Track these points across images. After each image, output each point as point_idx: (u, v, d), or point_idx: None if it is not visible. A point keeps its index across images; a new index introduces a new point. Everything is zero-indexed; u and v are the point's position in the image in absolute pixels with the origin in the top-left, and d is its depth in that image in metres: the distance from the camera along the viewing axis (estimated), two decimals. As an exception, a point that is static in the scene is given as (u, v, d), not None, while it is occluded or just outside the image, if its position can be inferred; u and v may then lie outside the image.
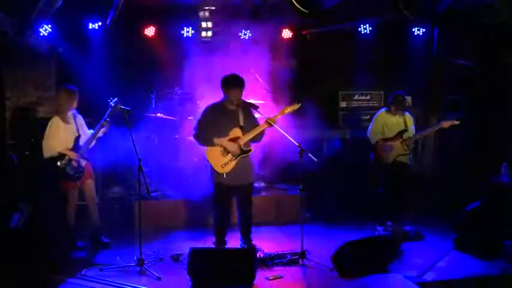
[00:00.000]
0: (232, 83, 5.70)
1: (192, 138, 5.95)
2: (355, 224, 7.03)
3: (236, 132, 5.73)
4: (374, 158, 6.77)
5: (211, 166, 5.77)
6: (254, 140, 5.82)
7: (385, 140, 6.68)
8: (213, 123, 5.70)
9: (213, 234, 5.98)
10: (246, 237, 5.96)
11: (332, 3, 6.15)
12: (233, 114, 5.77)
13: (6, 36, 6.31)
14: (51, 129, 5.89)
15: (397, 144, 6.63)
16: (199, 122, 5.78)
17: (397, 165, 6.64)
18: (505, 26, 6.74)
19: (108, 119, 5.95)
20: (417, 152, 8.48)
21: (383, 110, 6.86)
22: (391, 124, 6.71)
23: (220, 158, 5.69)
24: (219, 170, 5.70)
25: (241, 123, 5.76)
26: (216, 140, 5.67)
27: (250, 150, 5.77)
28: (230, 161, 5.68)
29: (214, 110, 5.80)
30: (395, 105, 6.67)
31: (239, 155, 5.70)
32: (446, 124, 6.57)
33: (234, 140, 5.70)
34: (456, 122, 6.59)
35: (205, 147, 5.79)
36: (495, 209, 6.10)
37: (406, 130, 6.66)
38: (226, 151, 5.69)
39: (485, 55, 7.31)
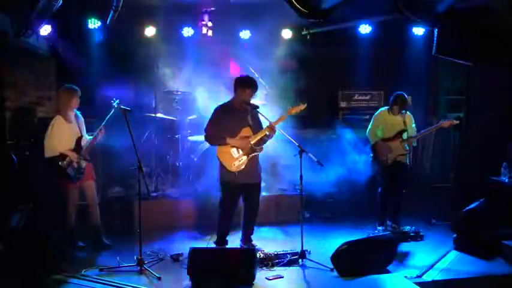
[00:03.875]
0: (249, 84, 5.82)
1: (203, 138, 6.06)
2: (355, 224, 7.04)
3: (246, 131, 5.85)
4: (373, 158, 6.77)
5: (221, 165, 5.85)
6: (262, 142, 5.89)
7: (385, 140, 6.67)
8: (224, 123, 5.81)
9: (216, 233, 6.02)
10: (247, 237, 6.00)
11: (332, 3, 6.14)
12: (242, 114, 5.89)
13: (6, 36, 6.29)
14: (53, 128, 5.87)
15: (396, 144, 6.62)
16: (211, 122, 5.89)
17: (396, 165, 6.64)
18: (505, 26, 6.73)
19: (102, 128, 5.95)
20: (417, 152, 8.50)
21: (383, 109, 6.84)
22: (390, 124, 6.69)
23: (232, 157, 5.79)
24: (230, 168, 5.77)
25: (250, 123, 5.88)
26: (229, 140, 5.77)
27: (261, 149, 5.87)
28: (242, 159, 5.77)
29: (224, 111, 5.90)
30: (398, 105, 6.64)
31: (250, 153, 5.79)
32: (445, 124, 6.56)
33: (245, 138, 5.80)
34: (455, 122, 6.59)
35: (216, 147, 5.89)
36: (495, 209, 6.09)
37: (405, 130, 6.65)
38: (238, 150, 5.79)
39: (485, 55, 7.30)
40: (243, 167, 5.78)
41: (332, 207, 7.63)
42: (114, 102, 5.79)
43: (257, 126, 5.92)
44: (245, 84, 5.81)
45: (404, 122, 6.65)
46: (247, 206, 6.00)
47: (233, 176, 5.78)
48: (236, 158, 5.79)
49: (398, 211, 6.73)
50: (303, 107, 5.81)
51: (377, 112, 6.89)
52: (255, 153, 5.85)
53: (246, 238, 6.00)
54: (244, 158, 5.79)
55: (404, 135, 6.62)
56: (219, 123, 5.82)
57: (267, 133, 5.78)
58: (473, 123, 7.78)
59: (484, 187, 6.57)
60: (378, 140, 6.69)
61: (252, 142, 5.80)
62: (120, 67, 7.86)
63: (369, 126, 6.84)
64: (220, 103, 6.02)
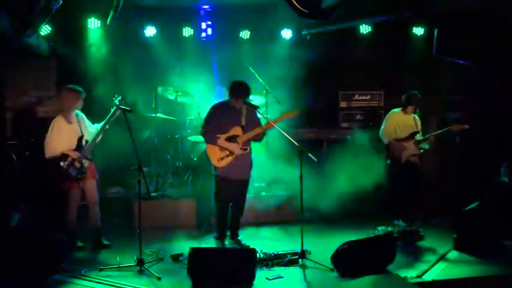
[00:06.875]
0: (240, 93, 5.88)
1: (200, 135, 6.23)
2: (355, 224, 7.03)
3: (236, 130, 5.95)
4: (387, 158, 6.80)
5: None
6: (255, 139, 6.02)
7: (398, 140, 6.71)
8: (218, 121, 5.93)
9: (216, 227, 6.20)
10: (233, 233, 6.16)
11: (331, 2, 6.15)
12: (237, 113, 5.99)
13: (6, 36, 6.30)
14: (53, 129, 5.86)
15: (409, 144, 6.67)
16: (206, 120, 6.04)
17: (409, 166, 6.68)
18: (505, 26, 6.75)
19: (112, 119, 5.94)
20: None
21: (396, 110, 6.88)
22: (403, 124, 6.75)
23: (217, 152, 5.92)
24: (215, 163, 5.93)
25: (243, 123, 5.96)
26: (219, 142, 5.90)
27: (246, 149, 5.96)
28: (227, 156, 5.90)
29: (219, 108, 6.05)
30: (414, 104, 6.71)
31: (236, 153, 5.91)
32: (456, 128, 6.61)
33: (233, 138, 5.88)
34: (466, 127, 6.62)
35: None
36: (495, 209, 6.09)
37: (417, 132, 6.70)
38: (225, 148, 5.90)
39: (485, 55, 7.31)
40: (226, 164, 5.90)
41: (332, 207, 7.61)
42: (116, 99, 5.80)
43: (251, 127, 5.98)
44: (235, 93, 5.91)
45: (416, 124, 6.70)
46: (233, 201, 6.12)
47: (219, 171, 5.93)
48: (221, 154, 5.92)
49: (409, 210, 6.73)
50: (296, 112, 5.94)
51: (390, 113, 6.95)
52: (242, 153, 5.94)
53: (232, 234, 6.16)
54: (230, 155, 5.91)
55: (417, 137, 6.67)
56: (213, 121, 5.95)
57: (259, 132, 5.92)
58: (473, 123, 7.78)
59: (484, 187, 6.57)
60: (391, 140, 6.73)
61: (241, 142, 5.91)
62: (120, 67, 7.86)
63: (382, 126, 6.90)
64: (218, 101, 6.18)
